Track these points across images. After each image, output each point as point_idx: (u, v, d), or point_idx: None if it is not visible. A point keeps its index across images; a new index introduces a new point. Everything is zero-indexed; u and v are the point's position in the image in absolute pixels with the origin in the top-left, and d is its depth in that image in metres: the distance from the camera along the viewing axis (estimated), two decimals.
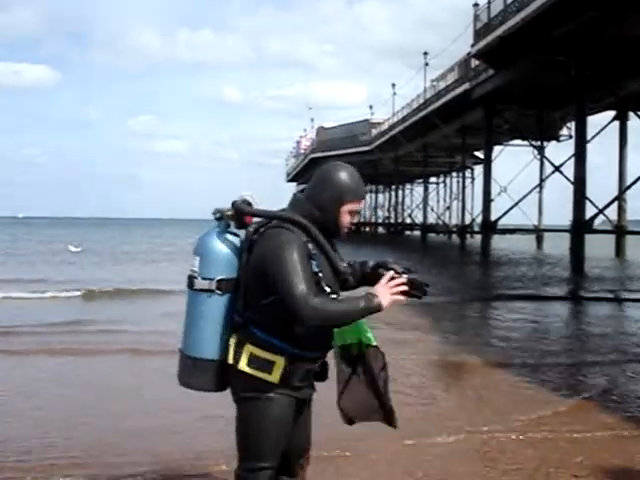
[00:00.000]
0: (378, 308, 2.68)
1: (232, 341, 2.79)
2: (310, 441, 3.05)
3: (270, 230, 2.76)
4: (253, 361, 2.75)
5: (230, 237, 2.87)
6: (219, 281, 2.80)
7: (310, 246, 2.72)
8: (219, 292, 2.80)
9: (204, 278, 2.81)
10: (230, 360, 2.79)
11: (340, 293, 2.84)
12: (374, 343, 2.86)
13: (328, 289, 2.72)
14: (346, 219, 2.84)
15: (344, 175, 2.82)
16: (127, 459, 4.75)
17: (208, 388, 2.89)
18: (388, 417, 2.93)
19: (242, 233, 2.88)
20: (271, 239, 2.73)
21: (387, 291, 2.71)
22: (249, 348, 2.75)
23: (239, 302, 2.80)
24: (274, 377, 2.74)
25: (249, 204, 2.85)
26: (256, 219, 2.85)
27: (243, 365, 2.76)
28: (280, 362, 2.74)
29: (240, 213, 2.83)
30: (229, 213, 2.85)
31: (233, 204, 2.83)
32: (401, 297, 2.74)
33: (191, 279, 2.85)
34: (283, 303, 2.65)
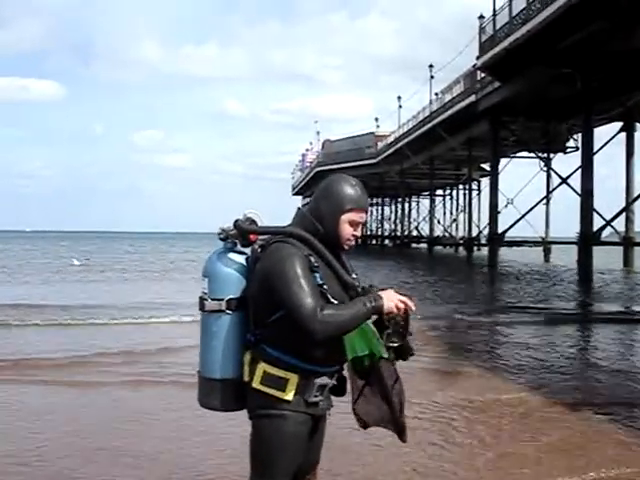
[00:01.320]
0: (381, 309, 2.68)
1: (246, 359, 2.79)
2: (319, 456, 3.01)
3: (272, 246, 2.75)
4: (266, 379, 2.74)
5: (237, 256, 2.87)
6: (228, 301, 2.80)
7: (312, 259, 2.70)
8: (229, 312, 2.80)
9: (214, 299, 2.82)
10: (246, 377, 2.79)
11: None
12: (385, 355, 2.79)
13: (335, 302, 2.69)
14: (346, 230, 2.80)
15: (344, 185, 2.81)
16: None
17: (226, 408, 2.89)
18: (399, 431, 2.89)
19: (249, 251, 2.87)
20: (272, 255, 2.72)
21: (393, 297, 2.71)
22: (262, 366, 2.74)
23: (250, 320, 2.80)
24: (288, 394, 2.72)
25: (253, 222, 2.84)
26: (262, 235, 2.84)
27: (257, 383, 2.75)
28: (293, 379, 2.72)
29: (243, 232, 2.82)
30: (232, 233, 2.84)
31: (235, 223, 2.83)
32: (401, 306, 2.72)
33: (202, 301, 2.85)
34: (290, 319, 2.63)
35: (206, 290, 2.84)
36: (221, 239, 2.87)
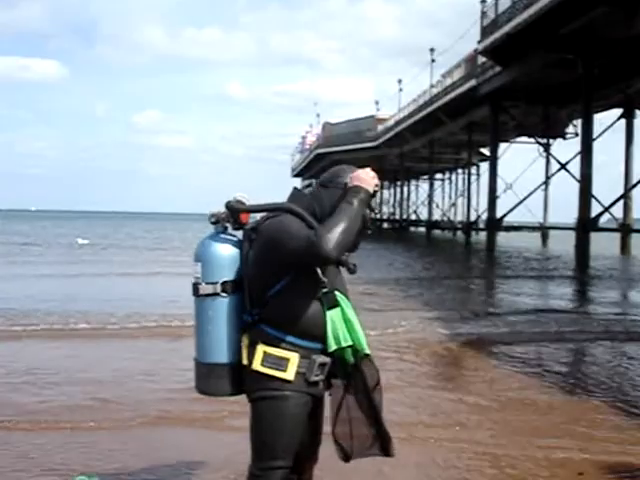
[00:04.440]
0: (367, 195, 2.71)
1: (244, 342, 2.79)
2: (320, 439, 3.01)
3: (270, 220, 2.76)
4: (267, 360, 2.73)
5: (228, 238, 2.87)
6: (223, 284, 2.80)
7: None
8: (224, 294, 2.80)
9: (208, 283, 2.81)
10: (244, 361, 2.78)
11: (340, 287, 2.82)
12: (367, 351, 2.79)
13: (325, 280, 2.71)
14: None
15: (347, 174, 2.83)
16: None
17: (225, 392, 2.88)
18: (384, 445, 2.84)
19: (240, 234, 2.88)
20: (270, 226, 2.74)
21: (365, 176, 2.74)
22: (261, 347, 2.74)
23: (246, 301, 2.80)
24: (289, 374, 2.72)
25: (242, 204, 2.85)
26: (253, 218, 2.86)
27: (257, 365, 2.74)
28: (294, 359, 2.73)
29: (234, 212, 2.83)
30: (224, 215, 2.85)
31: (226, 204, 2.84)
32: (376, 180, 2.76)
33: (195, 286, 2.84)
34: (286, 287, 2.68)
35: (199, 275, 2.83)
36: (212, 223, 2.87)
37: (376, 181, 2.77)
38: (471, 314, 12.13)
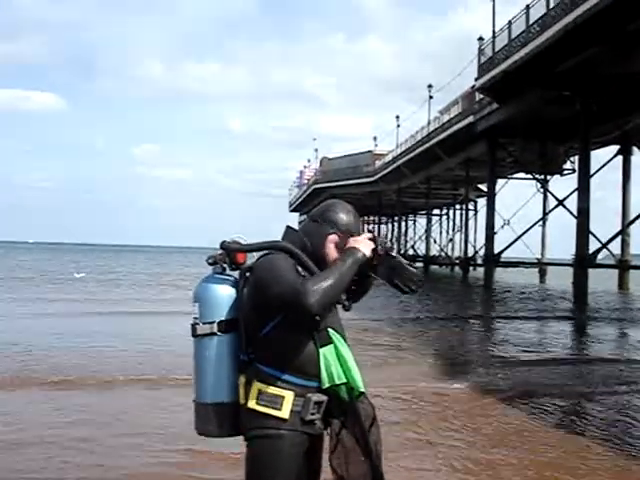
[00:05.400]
0: (364, 258, 2.75)
1: (241, 381, 2.79)
2: (320, 478, 2.95)
3: (262, 258, 2.80)
4: (261, 398, 2.72)
5: (225, 279, 2.91)
6: (219, 323, 2.82)
7: (299, 269, 2.73)
8: (220, 334, 2.81)
9: (205, 323, 2.84)
10: (241, 400, 2.77)
11: (335, 325, 2.80)
12: (362, 389, 2.77)
13: (317, 317, 2.69)
14: (332, 251, 2.85)
15: (339, 209, 2.90)
16: None
17: (223, 433, 2.87)
18: None
19: (237, 275, 2.91)
20: (261, 265, 2.77)
21: (362, 241, 2.78)
22: (257, 385, 2.73)
23: (242, 340, 2.80)
24: (284, 413, 2.70)
25: (238, 244, 2.88)
26: (250, 259, 2.87)
27: (252, 403, 2.73)
28: (289, 396, 2.71)
29: (230, 252, 2.86)
30: (220, 256, 2.89)
31: (221, 245, 2.87)
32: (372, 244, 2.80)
33: (194, 327, 2.87)
34: (277, 326, 2.66)
35: (197, 315, 2.86)
36: (210, 264, 2.91)
37: (371, 242, 2.81)
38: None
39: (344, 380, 2.74)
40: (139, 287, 30.58)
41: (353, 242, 2.79)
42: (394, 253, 2.87)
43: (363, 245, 2.78)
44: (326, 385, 2.73)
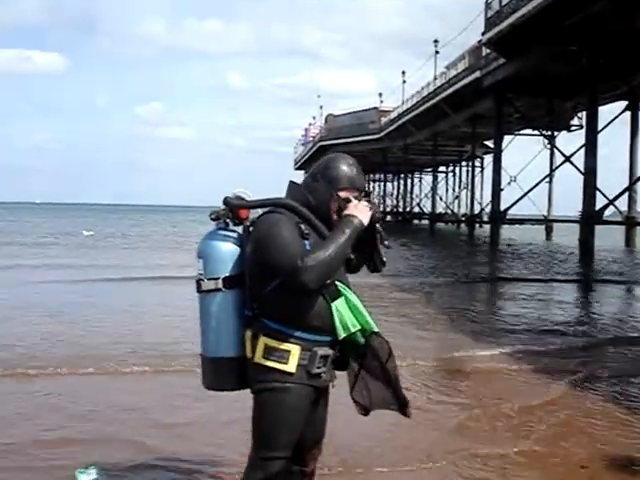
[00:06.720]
0: (361, 226, 2.75)
1: (247, 335, 2.81)
2: (324, 432, 3.04)
3: (262, 216, 2.80)
4: (268, 352, 2.75)
5: (229, 235, 2.91)
6: (224, 279, 2.83)
7: (303, 227, 2.74)
8: (226, 290, 2.83)
9: (209, 279, 2.85)
10: (247, 354, 2.80)
11: (342, 279, 2.83)
12: (376, 329, 2.83)
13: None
14: (337, 206, 2.85)
15: (341, 163, 2.88)
16: None
17: (232, 387, 2.92)
18: (402, 406, 2.90)
19: (241, 229, 2.90)
20: (262, 223, 2.77)
21: (361, 208, 2.78)
22: (263, 340, 2.76)
23: (247, 296, 2.82)
24: (290, 367, 2.74)
25: (241, 199, 2.88)
26: (253, 214, 2.88)
27: (259, 357, 2.76)
28: (295, 351, 2.74)
29: (233, 208, 2.86)
30: (223, 212, 2.88)
31: (224, 200, 2.87)
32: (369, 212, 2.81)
33: (198, 282, 2.89)
34: (285, 285, 2.67)
35: (202, 271, 2.88)
36: (213, 219, 2.91)
37: (368, 210, 2.82)
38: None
39: (358, 327, 2.79)
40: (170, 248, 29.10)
41: (353, 208, 2.78)
42: (379, 225, 2.88)
43: (362, 213, 2.78)
44: (342, 336, 2.77)
